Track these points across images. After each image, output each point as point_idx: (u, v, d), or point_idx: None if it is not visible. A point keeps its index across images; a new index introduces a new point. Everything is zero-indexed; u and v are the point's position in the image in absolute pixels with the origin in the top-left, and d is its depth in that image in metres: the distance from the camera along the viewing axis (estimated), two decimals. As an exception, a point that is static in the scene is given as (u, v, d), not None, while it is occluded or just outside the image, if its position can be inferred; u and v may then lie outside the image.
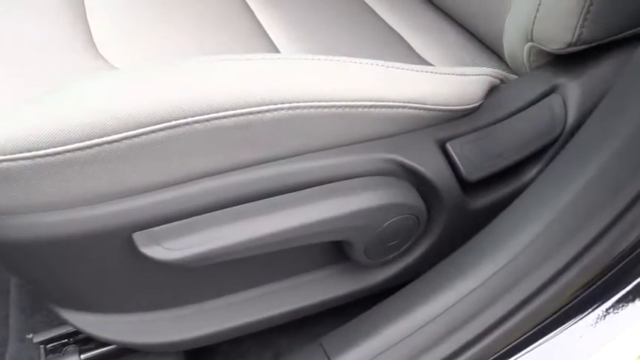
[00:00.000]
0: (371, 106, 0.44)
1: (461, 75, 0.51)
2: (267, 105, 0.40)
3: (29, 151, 0.36)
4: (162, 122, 0.38)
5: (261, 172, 0.43)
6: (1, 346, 0.60)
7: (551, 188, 0.47)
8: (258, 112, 0.40)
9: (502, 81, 0.55)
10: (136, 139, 0.38)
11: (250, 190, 0.43)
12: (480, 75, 0.52)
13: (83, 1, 0.53)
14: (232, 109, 0.39)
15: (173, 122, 0.38)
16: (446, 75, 0.49)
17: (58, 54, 0.46)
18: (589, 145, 0.48)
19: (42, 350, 0.56)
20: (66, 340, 0.56)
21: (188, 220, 0.42)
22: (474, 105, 0.50)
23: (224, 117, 0.39)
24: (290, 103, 0.41)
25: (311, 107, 0.41)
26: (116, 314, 0.49)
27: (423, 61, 0.62)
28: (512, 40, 0.54)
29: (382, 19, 0.70)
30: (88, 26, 0.50)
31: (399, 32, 0.67)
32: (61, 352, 0.56)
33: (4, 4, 0.51)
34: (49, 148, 0.36)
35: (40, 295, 0.51)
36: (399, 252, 0.51)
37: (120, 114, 0.37)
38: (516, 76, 0.57)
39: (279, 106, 0.40)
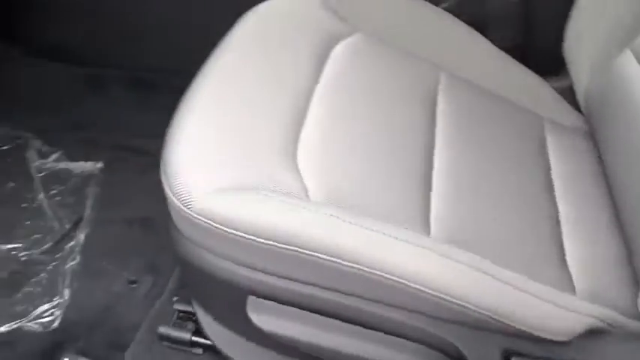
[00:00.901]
0: (459, 305, 0.51)
1: (565, 309, 0.53)
2: (394, 276, 0.51)
3: (232, 229, 0.53)
4: (325, 254, 0.51)
5: (355, 303, 0.54)
6: (159, 296, 0.84)
7: None
8: (382, 275, 0.51)
9: (609, 325, 0.56)
10: (301, 255, 0.52)
11: (341, 311, 0.55)
12: (586, 315, 0.54)
13: (305, 117, 0.67)
14: (364, 266, 0.51)
15: (328, 257, 0.51)
16: (551, 305, 0.53)
17: (261, 151, 0.61)
18: None
19: (176, 314, 0.78)
20: (190, 317, 0.77)
21: (289, 307, 0.56)
22: (561, 339, 0.54)
23: (357, 268, 0.51)
24: (408, 282, 0.51)
25: (417, 290, 0.51)
26: (222, 326, 0.67)
27: (561, 260, 0.65)
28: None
29: (555, 200, 0.72)
30: (298, 136, 0.64)
31: (561, 218, 0.70)
32: (184, 322, 0.77)
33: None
34: (245, 233, 0.52)
35: (189, 290, 0.72)
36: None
37: (307, 236, 0.52)
38: (629, 319, 0.57)
39: (403, 281, 0.51)
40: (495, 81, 0.86)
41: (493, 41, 0.89)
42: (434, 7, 0.89)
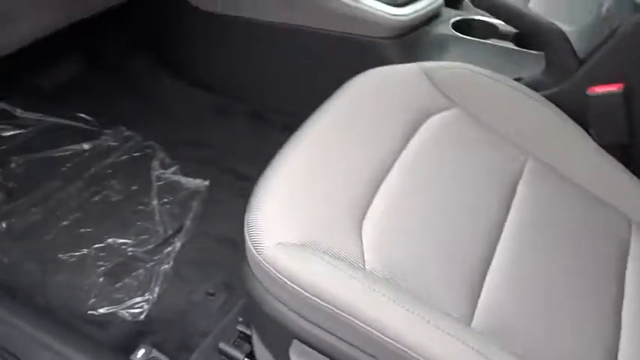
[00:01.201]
0: None
1: None
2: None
3: (287, 279, 0.60)
4: (363, 323, 0.57)
5: None
6: (228, 312, 0.94)
7: None
8: (413, 356, 0.55)
9: None
10: (341, 316, 0.58)
11: None
12: None
13: (379, 186, 0.72)
14: (399, 344, 0.56)
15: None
16: None
17: (330, 215, 0.67)
18: None
19: (237, 334, 0.87)
20: (248, 339, 0.85)
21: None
22: None
23: (391, 344, 0.56)
24: None
25: None
26: (271, 356, 0.74)
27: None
28: None
29: (621, 310, 0.70)
30: (369, 206, 0.69)
31: (622, 332, 0.67)
32: (242, 342, 0.86)
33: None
34: (296, 285, 0.59)
35: (249, 316, 0.80)
36: None
37: (348, 304, 0.57)
38: None
39: None
40: (587, 176, 0.85)
41: (593, 136, 0.88)
42: (536, 94, 0.91)
